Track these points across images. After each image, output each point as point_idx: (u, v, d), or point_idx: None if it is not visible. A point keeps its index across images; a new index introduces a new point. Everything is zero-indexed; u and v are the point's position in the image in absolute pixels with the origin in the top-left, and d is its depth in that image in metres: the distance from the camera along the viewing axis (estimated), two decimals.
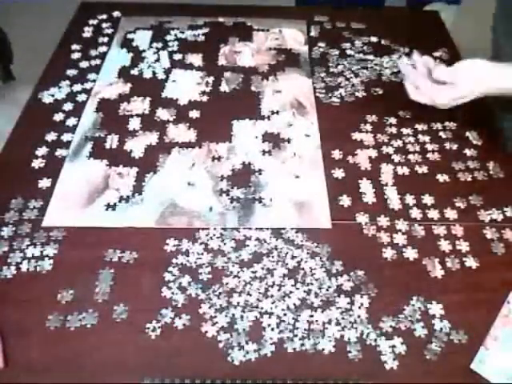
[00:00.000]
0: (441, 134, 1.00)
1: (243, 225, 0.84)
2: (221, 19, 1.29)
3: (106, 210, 0.86)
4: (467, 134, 1.00)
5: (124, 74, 1.12)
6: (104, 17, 1.29)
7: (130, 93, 1.08)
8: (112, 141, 0.97)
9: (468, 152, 0.96)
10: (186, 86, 1.10)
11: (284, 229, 0.83)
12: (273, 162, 0.94)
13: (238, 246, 0.81)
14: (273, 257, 0.79)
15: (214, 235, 0.82)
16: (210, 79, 1.12)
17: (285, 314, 0.73)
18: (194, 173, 0.92)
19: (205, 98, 1.07)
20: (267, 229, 0.83)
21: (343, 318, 0.72)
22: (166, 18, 1.28)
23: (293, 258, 0.79)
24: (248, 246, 0.81)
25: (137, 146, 0.96)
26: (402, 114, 1.03)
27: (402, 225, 0.84)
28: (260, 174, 0.92)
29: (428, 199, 0.88)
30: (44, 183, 0.89)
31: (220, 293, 0.75)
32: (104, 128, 1.00)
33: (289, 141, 0.98)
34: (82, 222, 0.84)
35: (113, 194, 0.88)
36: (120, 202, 0.87)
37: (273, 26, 1.27)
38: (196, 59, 1.17)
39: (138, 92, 1.08)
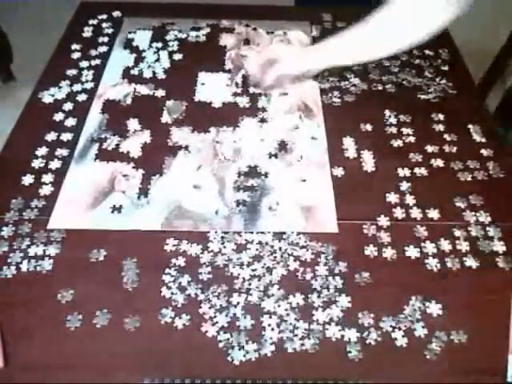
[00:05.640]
0: (441, 134, 1.00)
1: (249, 228, 0.83)
2: (224, 22, 1.28)
3: (112, 212, 0.85)
4: (467, 134, 1.00)
5: (128, 74, 1.12)
6: (104, 17, 1.29)
7: (133, 92, 1.07)
8: (118, 143, 0.97)
9: (468, 152, 0.96)
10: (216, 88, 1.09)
11: (285, 233, 0.82)
12: (279, 165, 0.94)
13: (240, 248, 0.80)
14: (275, 257, 0.79)
15: (215, 238, 0.82)
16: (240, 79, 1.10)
17: (286, 314, 0.73)
18: (199, 175, 0.92)
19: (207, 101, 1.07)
20: (269, 232, 0.83)
21: (344, 317, 0.72)
22: (168, 19, 1.27)
23: (295, 258, 0.79)
24: (250, 249, 0.80)
25: (142, 148, 0.96)
26: (402, 114, 1.03)
27: (401, 225, 0.84)
28: (266, 177, 0.92)
29: (428, 199, 0.88)
30: (44, 183, 0.89)
31: (219, 293, 0.75)
32: (110, 130, 0.99)
33: (295, 144, 0.97)
34: (87, 224, 0.83)
35: (119, 196, 0.88)
36: (126, 204, 0.86)
37: (277, 28, 1.26)
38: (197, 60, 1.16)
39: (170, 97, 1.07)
